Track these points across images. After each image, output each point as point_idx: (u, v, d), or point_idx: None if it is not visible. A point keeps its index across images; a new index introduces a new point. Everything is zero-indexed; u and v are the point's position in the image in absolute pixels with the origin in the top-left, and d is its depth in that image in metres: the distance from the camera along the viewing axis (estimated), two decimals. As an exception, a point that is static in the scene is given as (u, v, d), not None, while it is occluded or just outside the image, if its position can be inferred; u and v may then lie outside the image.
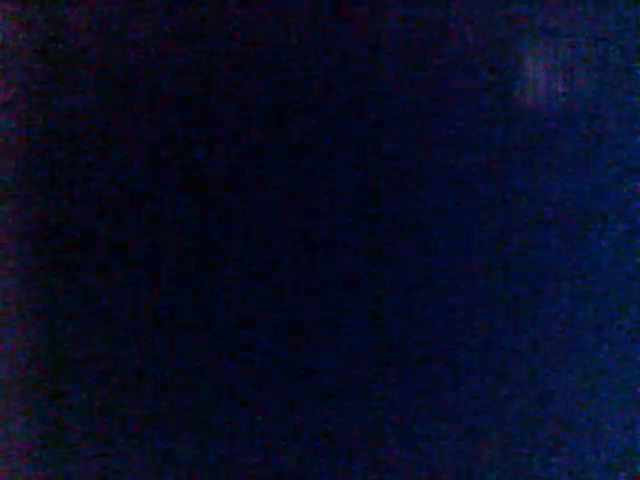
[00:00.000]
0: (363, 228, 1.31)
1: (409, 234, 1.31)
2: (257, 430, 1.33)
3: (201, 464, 1.34)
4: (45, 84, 1.34)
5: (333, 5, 1.29)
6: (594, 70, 1.30)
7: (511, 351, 1.31)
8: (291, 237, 1.31)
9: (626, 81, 1.30)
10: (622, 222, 1.31)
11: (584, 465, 1.32)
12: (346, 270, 1.31)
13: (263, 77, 1.31)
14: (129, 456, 1.35)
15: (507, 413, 1.32)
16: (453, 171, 1.30)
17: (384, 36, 1.29)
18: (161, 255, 1.33)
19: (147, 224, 1.33)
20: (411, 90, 1.30)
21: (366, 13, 1.29)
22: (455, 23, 1.29)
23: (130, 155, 1.33)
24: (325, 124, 1.30)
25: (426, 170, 1.30)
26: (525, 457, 1.32)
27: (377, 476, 1.32)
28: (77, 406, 1.35)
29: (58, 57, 1.34)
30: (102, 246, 1.34)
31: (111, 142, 1.33)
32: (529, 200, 1.31)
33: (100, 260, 1.34)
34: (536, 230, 1.31)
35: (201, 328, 1.33)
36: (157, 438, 1.34)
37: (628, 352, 1.32)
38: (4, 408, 1.36)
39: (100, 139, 1.34)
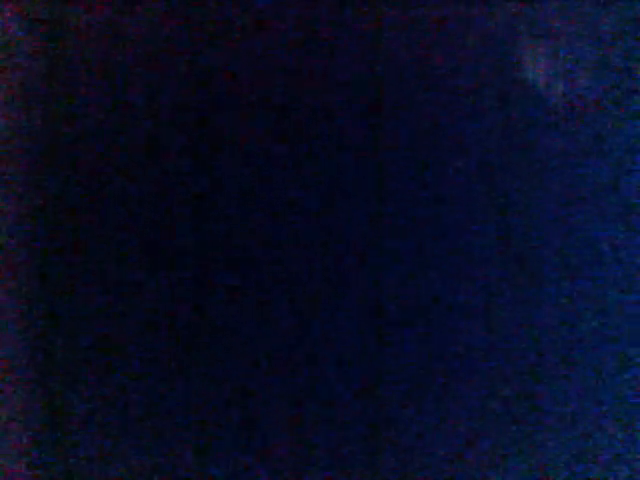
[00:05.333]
0: (365, 226, 1.31)
1: (408, 235, 1.31)
2: (257, 430, 1.33)
3: (201, 464, 1.34)
4: (45, 84, 1.34)
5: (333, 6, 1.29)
6: (594, 70, 1.30)
7: (511, 352, 1.31)
8: (291, 237, 1.32)
9: (626, 81, 1.30)
10: (622, 222, 1.31)
11: (584, 464, 1.32)
12: (347, 268, 1.31)
13: (264, 77, 1.31)
14: (129, 455, 1.35)
15: (506, 412, 1.32)
16: (453, 170, 1.30)
17: (384, 36, 1.29)
18: (160, 254, 1.33)
19: (147, 224, 1.33)
20: (411, 90, 1.30)
21: (366, 14, 1.29)
22: (455, 23, 1.29)
23: (130, 155, 1.33)
24: (325, 125, 1.30)
25: (426, 169, 1.30)
26: (525, 456, 1.32)
27: (377, 475, 1.32)
28: (77, 406, 1.35)
29: (58, 57, 1.34)
30: (102, 245, 1.34)
31: (111, 142, 1.33)
32: (529, 199, 1.31)
33: (99, 260, 1.34)
34: (536, 229, 1.31)
35: (200, 328, 1.33)
36: (157, 437, 1.34)
37: (628, 351, 1.32)
38: (4, 408, 1.36)
39: (100, 139, 1.34)
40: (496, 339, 1.31)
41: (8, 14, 1.34)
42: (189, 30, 1.31)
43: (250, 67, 1.31)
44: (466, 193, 1.30)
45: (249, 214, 1.31)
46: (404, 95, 1.30)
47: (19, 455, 1.36)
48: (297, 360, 1.32)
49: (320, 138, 1.30)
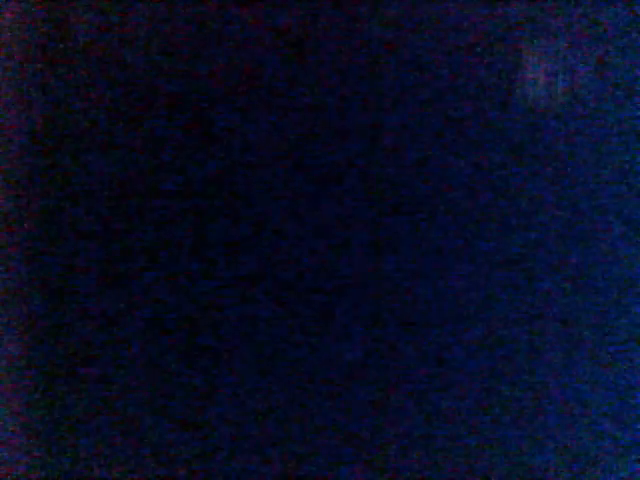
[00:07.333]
0: (363, 225, 1.31)
1: (408, 235, 1.31)
2: (256, 430, 1.33)
3: (201, 464, 1.34)
4: (45, 84, 1.34)
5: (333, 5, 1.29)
6: (594, 70, 1.30)
7: (511, 350, 1.31)
8: (292, 237, 1.32)
9: (626, 81, 1.30)
10: (622, 222, 1.31)
11: (584, 464, 1.32)
12: (345, 267, 1.31)
13: (263, 76, 1.31)
14: (128, 453, 1.35)
15: (505, 411, 1.32)
16: (452, 171, 1.30)
17: (383, 36, 1.30)
18: (163, 252, 1.33)
19: (147, 224, 1.33)
20: (410, 90, 1.30)
21: (365, 13, 1.29)
22: (455, 23, 1.29)
23: (131, 155, 1.33)
24: (325, 123, 1.31)
25: (425, 170, 1.30)
26: (524, 455, 1.32)
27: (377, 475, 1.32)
28: (77, 406, 1.35)
29: (58, 57, 1.34)
30: (102, 246, 1.34)
31: (112, 142, 1.33)
32: (528, 200, 1.31)
33: (100, 260, 1.34)
34: (535, 230, 1.31)
35: (202, 327, 1.33)
36: (158, 437, 1.34)
37: (628, 351, 1.32)
38: (4, 408, 1.36)
39: (100, 139, 1.34)
40: (496, 339, 1.31)
41: (8, 14, 1.34)
42: (191, 28, 1.31)
43: (250, 64, 1.31)
44: (465, 193, 1.30)
45: (247, 209, 1.31)
46: (403, 95, 1.30)
47: (19, 455, 1.36)
48: (296, 360, 1.32)
49: (319, 138, 1.30)
